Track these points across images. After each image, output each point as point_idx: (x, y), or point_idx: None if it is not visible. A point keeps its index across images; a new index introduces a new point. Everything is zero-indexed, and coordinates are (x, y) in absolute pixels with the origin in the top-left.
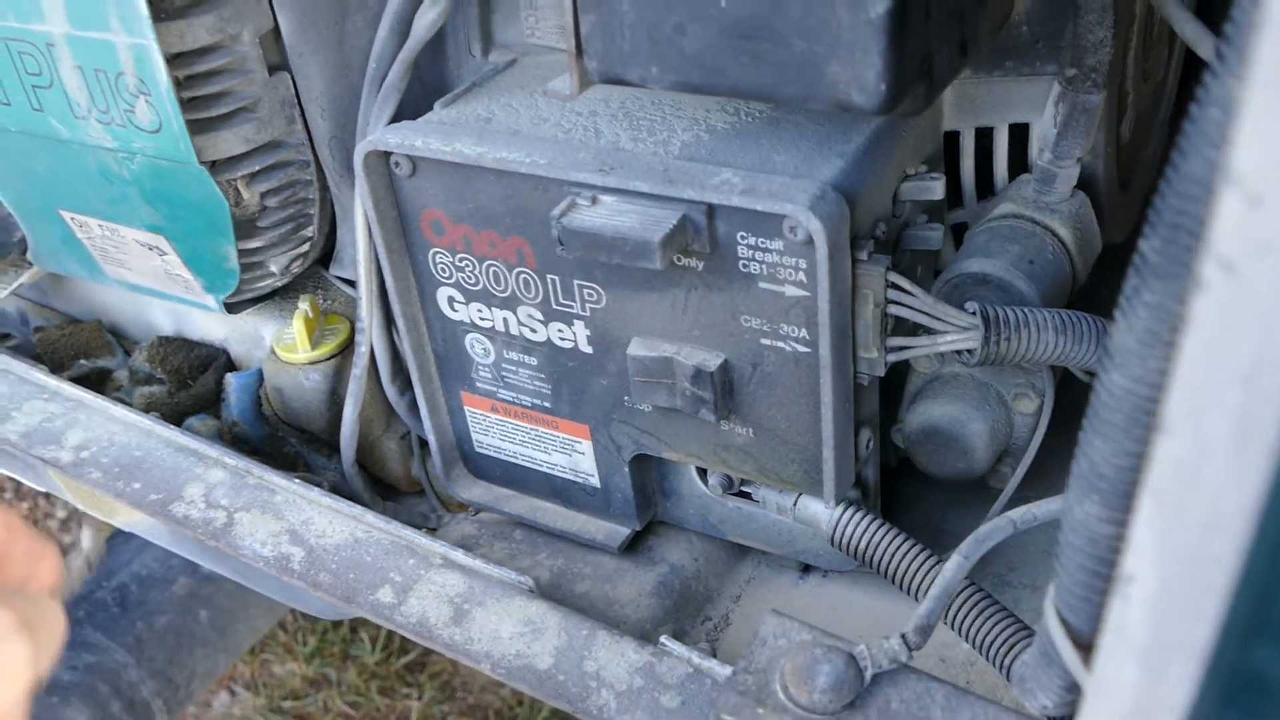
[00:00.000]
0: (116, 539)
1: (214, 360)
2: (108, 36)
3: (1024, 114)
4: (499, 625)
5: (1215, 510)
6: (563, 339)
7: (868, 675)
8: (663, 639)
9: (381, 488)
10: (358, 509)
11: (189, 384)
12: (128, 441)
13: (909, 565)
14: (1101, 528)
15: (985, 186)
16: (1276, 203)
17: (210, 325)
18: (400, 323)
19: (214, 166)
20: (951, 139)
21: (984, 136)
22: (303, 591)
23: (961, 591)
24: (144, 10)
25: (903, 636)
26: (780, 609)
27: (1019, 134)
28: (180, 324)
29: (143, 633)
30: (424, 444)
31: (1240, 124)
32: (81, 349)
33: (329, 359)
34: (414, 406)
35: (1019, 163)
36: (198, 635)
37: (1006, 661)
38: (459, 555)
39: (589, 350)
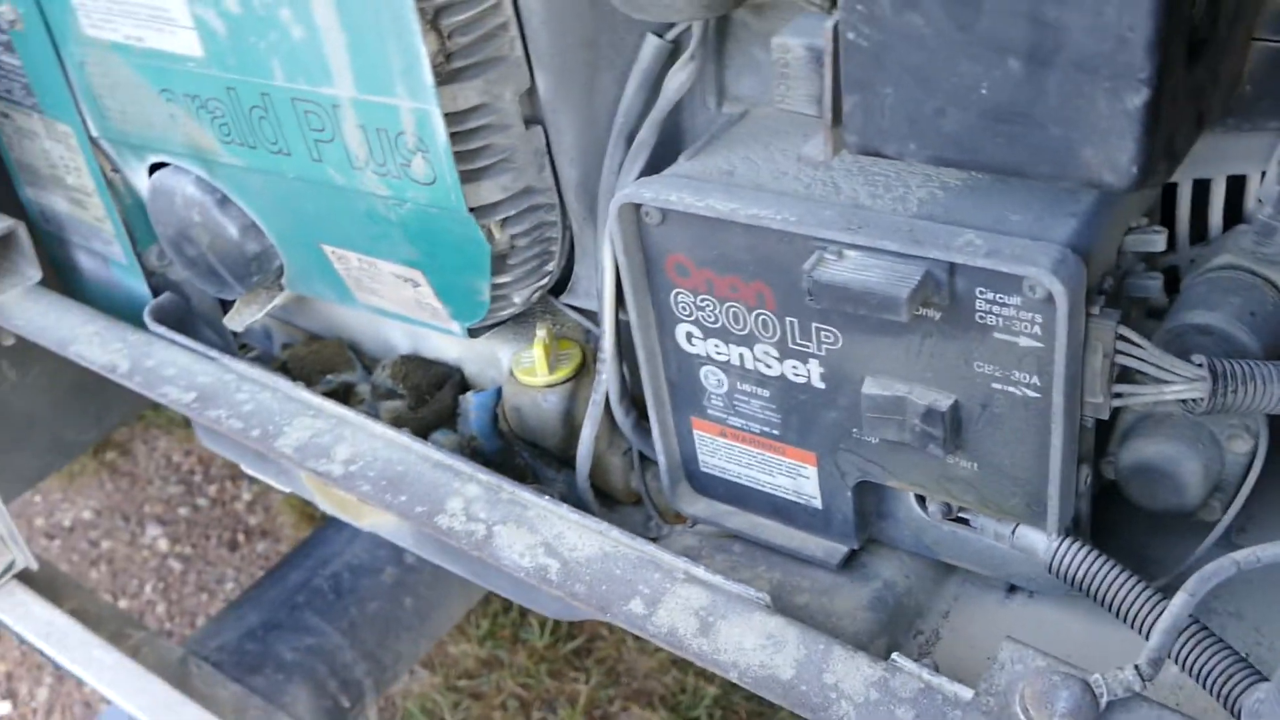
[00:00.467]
0: (329, 529)
1: (449, 378)
2: (392, 101)
3: (1241, 166)
4: (742, 637)
5: None
6: (796, 375)
7: (1103, 702)
8: (894, 656)
9: (602, 498)
10: (603, 525)
11: (426, 400)
12: (389, 457)
13: (1129, 598)
14: None
15: (1198, 234)
16: None
17: (446, 346)
18: (640, 353)
19: (474, 212)
20: (1168, 187)
21: (1200, 186)
22: (538, 590)
23: (1188, 625)
24: (429, 80)
25: (1136, 667)
26: (988, 627)
27: (1235, 184)
28: (417, 344)
29: (356, 618)
30: (644, 459)
31: None
32: (327, 365)
33: (564, 382)
34: (639, 426)
35: (1233, 213)
36: (403, 621)
37: (1230, 694)
38: (700, 571)
39: (821, 386)
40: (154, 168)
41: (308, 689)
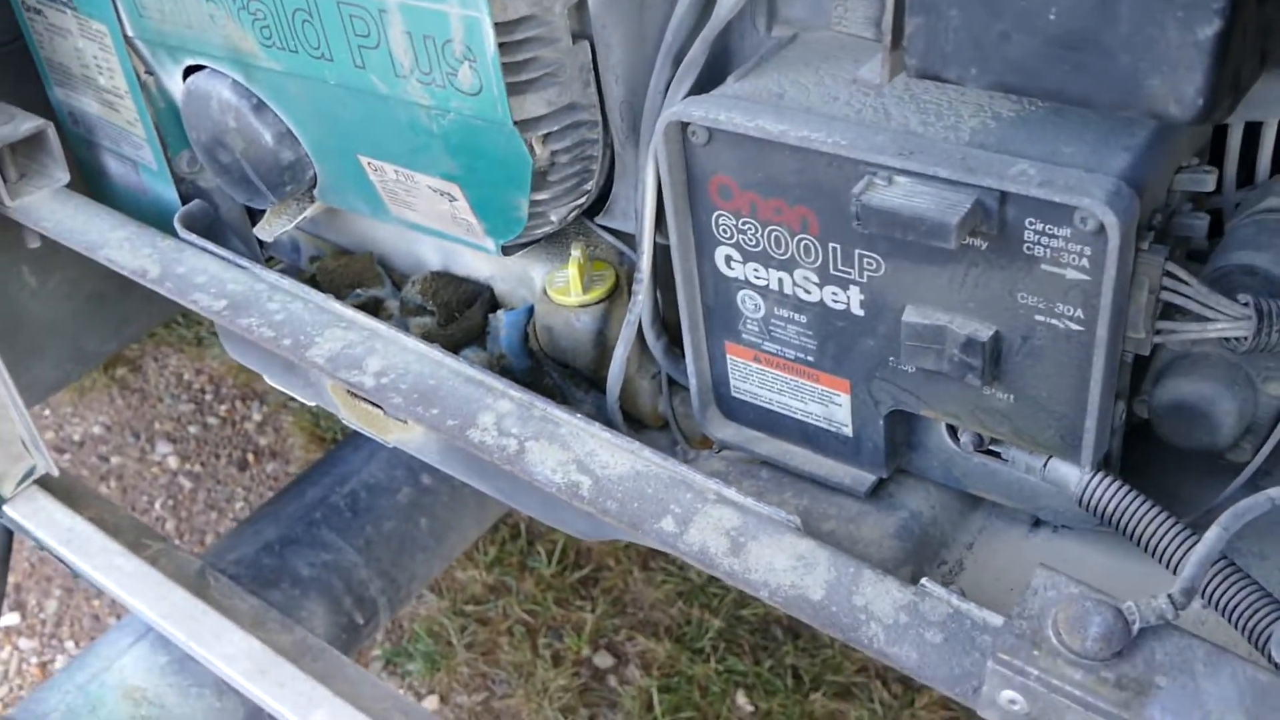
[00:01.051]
0: (347, 448)
1: (479, 296)
2: (441, 7)
3: None
4: (773, 558)
5: None
6: (835, 301)
7: (1134, 629)
8: (924, 581)
9: (629, 421)
10: (635, 444)
11: (455, 317)
12: (421, 370)
13: (1160, 533)
14: None
15: (1245, 177)
16: None
17: (477, 263)
18: (678, 276)
19: (518, 125)
20: (1218, 129)
21: (1250, 129)
22: (566, 510)
23: (1219, 562)
24: None
25: (1169, 596)
26: (1012, 559)
27: None
28: (447, 260)
29: (372, 536)
30: (672, 383)
31: None
32: (356, 279)
33: (598, 303)
34: (670, 351)
35: None
36: (418, 541)
37: (1257, 629)
38: (731, 493)
39: (860, 313)
40: (189, 71)
41: (323, 604)
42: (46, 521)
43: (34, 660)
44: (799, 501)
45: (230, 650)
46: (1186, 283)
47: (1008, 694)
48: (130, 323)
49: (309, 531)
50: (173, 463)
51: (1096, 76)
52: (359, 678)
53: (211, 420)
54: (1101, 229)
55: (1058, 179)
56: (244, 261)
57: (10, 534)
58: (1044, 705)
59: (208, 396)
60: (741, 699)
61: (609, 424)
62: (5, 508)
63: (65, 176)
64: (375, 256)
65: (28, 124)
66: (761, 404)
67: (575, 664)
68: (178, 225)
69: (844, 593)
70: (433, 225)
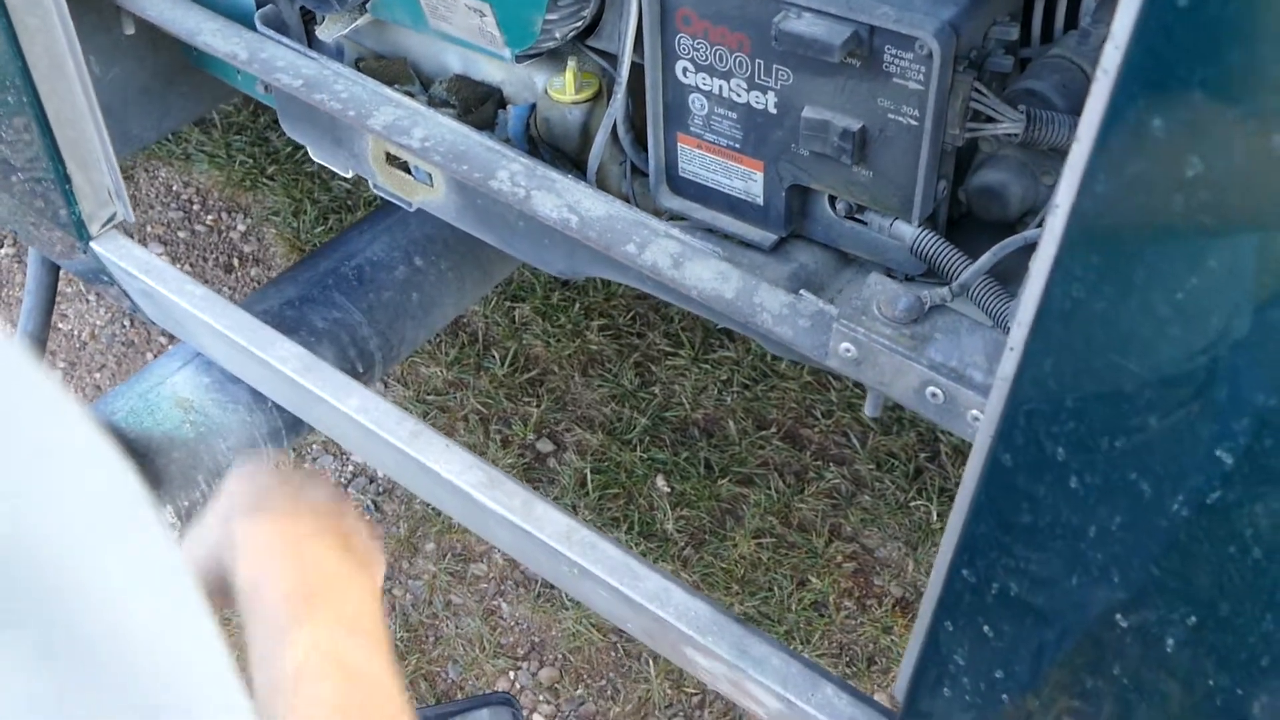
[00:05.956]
0: (352, 232)
1: (491, 95)
2: None
3: None
4: (701, 272)
5: None
6: (757, 103)
7: (926, 307)
8: (801, 291)
9: None
10: (609, 196)
11: (472, 110)
12: (454, 140)
13: (958, 265)
14: None
15: (1048, 35)
16: None
17: (490, 69)
18: (648, 82)
19: None
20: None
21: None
22: (551, 252)
23: (984, 277)
24: None
25: (949, 288)
26: None
27: (1074, 2)
28: (467, 66)
29: (373, 302)
30: (634, 169)
31: None
32: (393, 77)
33: (585, 102)
34: (635, 144)
35: (1071, 21)
36: (409, 311)
37: (1000, 314)
38: (675, 231)
39: (774, 111)
40: None
41: (333, 351)
42: (128, 256)
43: None
44: (723, 253)
45: (282, 353)
46: (986, 95)
47: (845, 345)
48: (169, 115)
49: (323, 293)
50: (165, 261)
51: None
52: (375, 391)
53: (199, 228)
54: (930, 54)
55: (906, 19)
56: (312, 53)
57: (57, 270)
58: (866, 351)
59: (195, 207)
60: (661, 482)
61: None
62: (92, 244)
63: None
64: (408, 61)
65: None
66: (700, 181)
67: (521, 447)
68: (258, 21)
69: (748, 294)
70: (462, 36)
